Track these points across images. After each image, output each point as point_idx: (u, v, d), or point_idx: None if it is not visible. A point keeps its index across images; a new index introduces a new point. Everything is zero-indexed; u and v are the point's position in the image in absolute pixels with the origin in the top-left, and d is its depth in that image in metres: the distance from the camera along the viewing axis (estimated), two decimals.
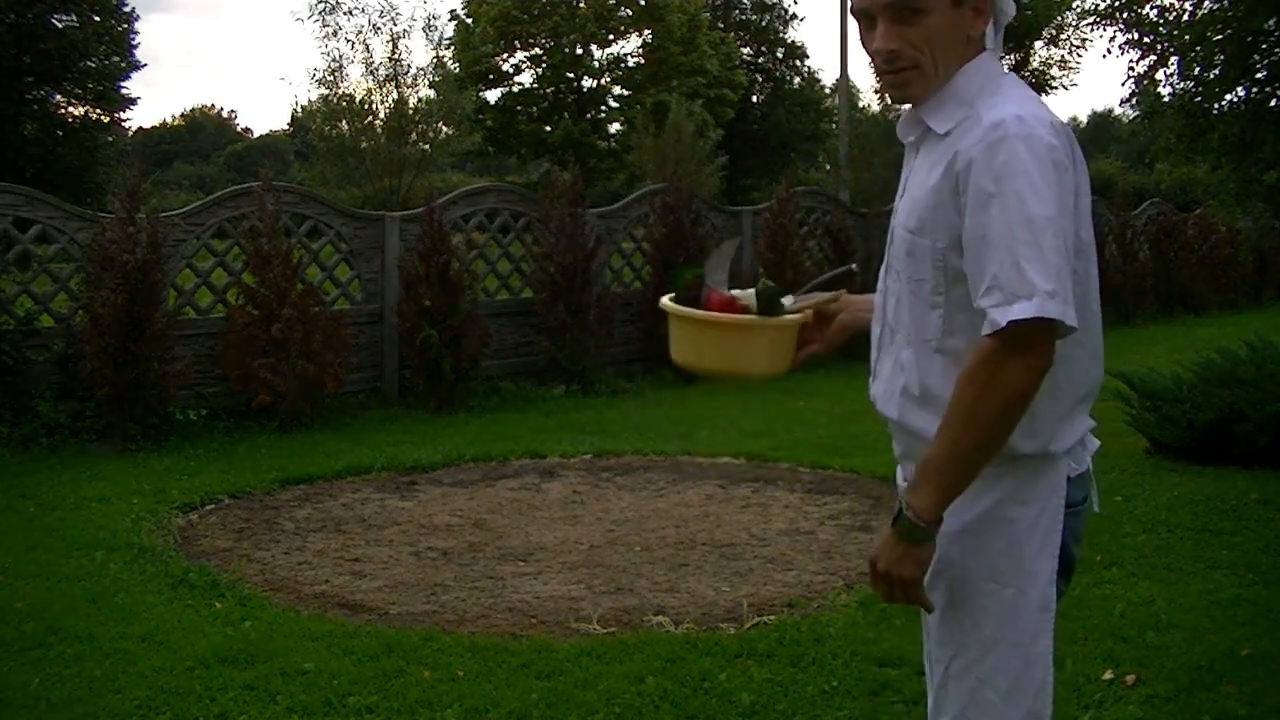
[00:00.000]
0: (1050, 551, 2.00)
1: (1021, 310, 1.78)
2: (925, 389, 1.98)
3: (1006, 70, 2.02)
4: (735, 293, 2.27)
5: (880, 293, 2.09)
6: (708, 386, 10.20)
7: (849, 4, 2.03)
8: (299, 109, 27.73)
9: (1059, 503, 1.99)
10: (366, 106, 19.01)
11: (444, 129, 19.92)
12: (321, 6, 18.39)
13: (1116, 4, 8.36)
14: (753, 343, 2.24)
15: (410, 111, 19.13)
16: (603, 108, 36.66)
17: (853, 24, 2.12)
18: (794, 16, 49.77)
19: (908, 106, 2.03)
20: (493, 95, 35.60)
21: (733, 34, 40.84)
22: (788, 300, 2.29)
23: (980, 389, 1.82)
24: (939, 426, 1.87)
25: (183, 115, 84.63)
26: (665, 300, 2.31)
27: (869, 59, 2.02)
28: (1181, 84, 8.15)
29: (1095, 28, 9.03)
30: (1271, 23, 7.57)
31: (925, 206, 1.94)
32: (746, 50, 42.98)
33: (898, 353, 2.02)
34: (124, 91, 32.10)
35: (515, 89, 36.25)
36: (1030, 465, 1.96)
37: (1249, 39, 7.57)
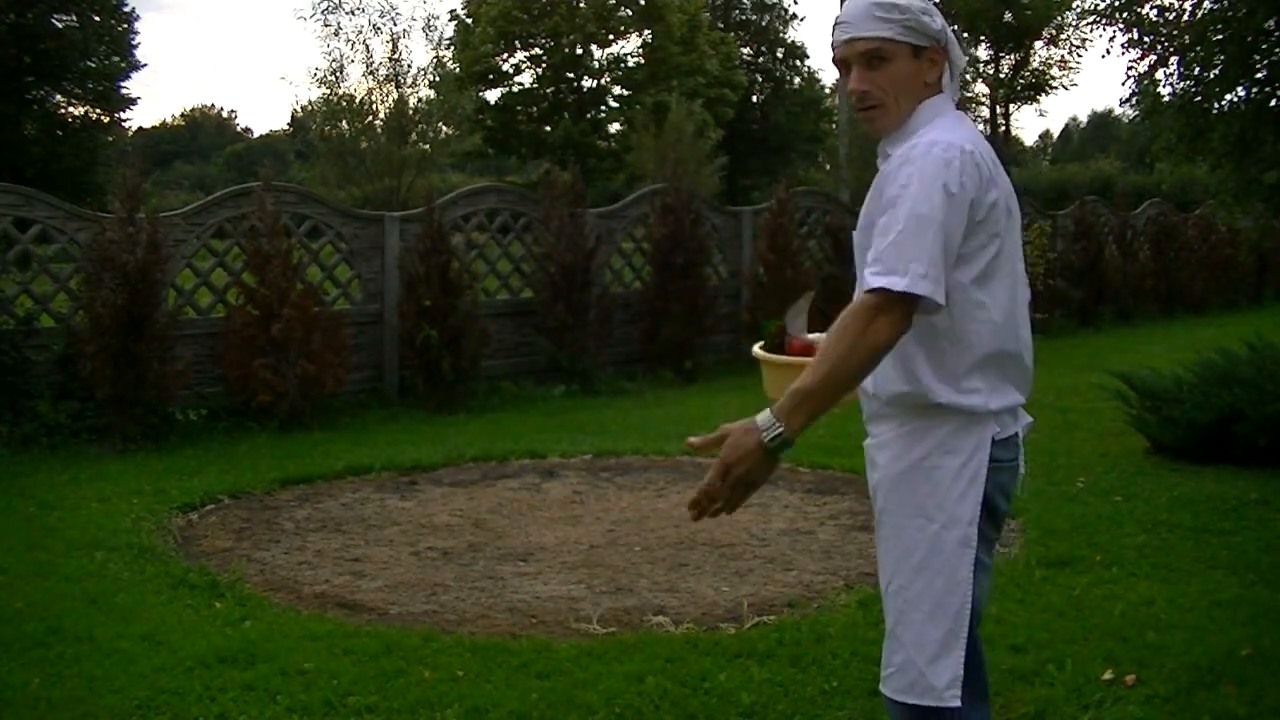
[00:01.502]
0: (973, 498, 2.39)
1: (893, 283, 2.21)
2: (908, 362, 2.39)
3: (954, 108, 2.49)
4: (813, 336, 2.75)
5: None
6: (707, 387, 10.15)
7: (833, 55, 2.47)
8: (299, 109, 27.74)
9: (983, 457, 2.39)
10: (366, 106, 19.00)
11: (444, 129, 19.90)
12: (324, 5, 18.39)
13: (1116, 4, 8.36)
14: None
15: (410, 111, 19.12)
16: (603, 108, 36.68)
17: None
18: (794, 16, 49.80)
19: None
20: (493, 95, 35.61)
21: (733, 34, 40.85)
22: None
23: (856, 335, 2.22)
24: (815, 361, 2.24)
25: (183, 115, 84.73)
26: (756, 349, 2.88)
27: (851, 97, 2.48)
28: (1181, 84, 8.15)
29: (1095, 28, 9.03)
30: (1271, 23, 7.56)
31: (870, 214, 2.40)
32: (746, 50, 42.99)
33: None
34: (124, 91, 32.11)
35: (515, 89, 36.27)
36: (957, 420, 2.38)
37: (1249, 39, 7.57)
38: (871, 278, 2.23)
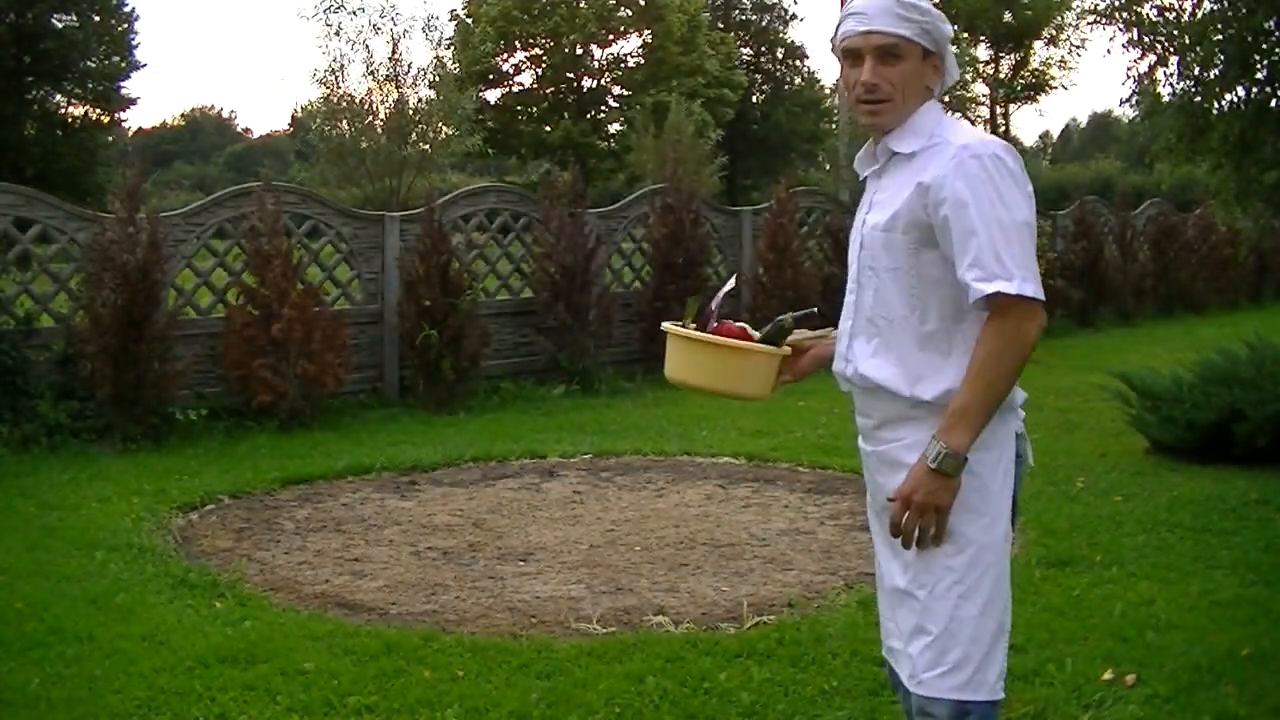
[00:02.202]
0: (1009, 491, 2.46)
1: (996, 287, 2.31)
2: (904, 356, 2.43)
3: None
4: (743, 325, 2.74)
5: (851, 293, 2.55)
6: None
7: (836, 43, 2.49)
8: (299, 110, 27.69)
9: (1012, 451, 2.47)
10: (366, 106, 18.99)
11: (444, 129, 19.89)
12: (326, 5, 18.39)
13: (1117, 4, 8.35)
14: (749, 367, 2.66)
15: (410, 112, 19.11)
16: (603, 108, 36.68)
17: None
18: (794, 17, 49.80)
19: (863, 148, 2.58)
20: (493, 95, 35.61)
21: (732, 34, 40.84)
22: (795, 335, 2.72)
23: (1006, 343, 2.32)
24: (968, 377, 2.33)
25: (183, 115, 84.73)
26: (668, 325, 2.72)
27: (848, 89, 2.51)
28: (1181, 84, 8.14)
29: (1095, 27, 9.02)
30: (1272, 22, 7.56)
31: (897, 211, 2.41)
32: (746, 50, 43.00)
33: (881, 335, 2.47)
34: (124, 91, 32.12)
35: (515, 89, 36.27)
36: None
37: (1249, 39, 7.56)
38: (995, 285, 2.29)
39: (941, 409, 2.38)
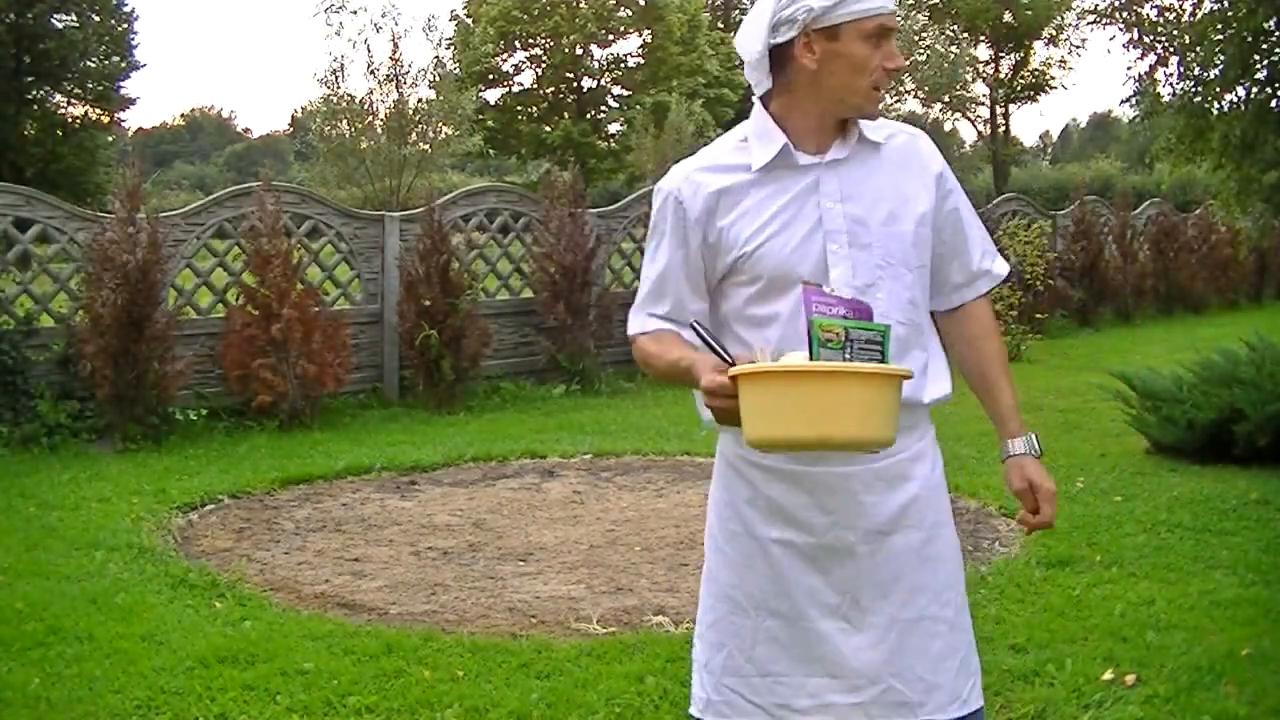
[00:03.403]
0: None
1: (1005, 265, 2.37)
2: (929, 358, 2.26)
3: None
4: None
5: (865, 297, 2.14)
6: None
7: (862, 21, 2.10)
8: (300, 110, 27.74)
9: None
10: (366, 106, 18.99)
11: (444, 129, 19.88)
12: (328, 5, 18.38)
13: (1117, 4, 8.35)
14: (881, 400, 1.93)
15: (410, 112, 19.11)
16: (603, 108, 36.68)
17: None
18: None
19: (775, 141, 2.19)
20: (493, 95, 35.61)
21: (733, 34, 40.86)
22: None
23: (998, 326, 2.36)
24: (1004, 369, 2.31)
25: (183, 115, 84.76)
26: (752, 365, 1.96)
27: (859, 73, 2.13)
28: (1181, 84, 8.13)
29: (1095, 27, 9.01)
30: (1272, 23, 7.55)
31: (920, 205, 2.23)
32: None
33: (909, 338, 2.20)
34: (124, 91, 32.11)
35: (515, 89, 36.27)
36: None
37: (1249, 39, 7.55)
38: (995, 266, 2.33)
39: (928, 414, 2.26)
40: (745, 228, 2.17)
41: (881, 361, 1.95)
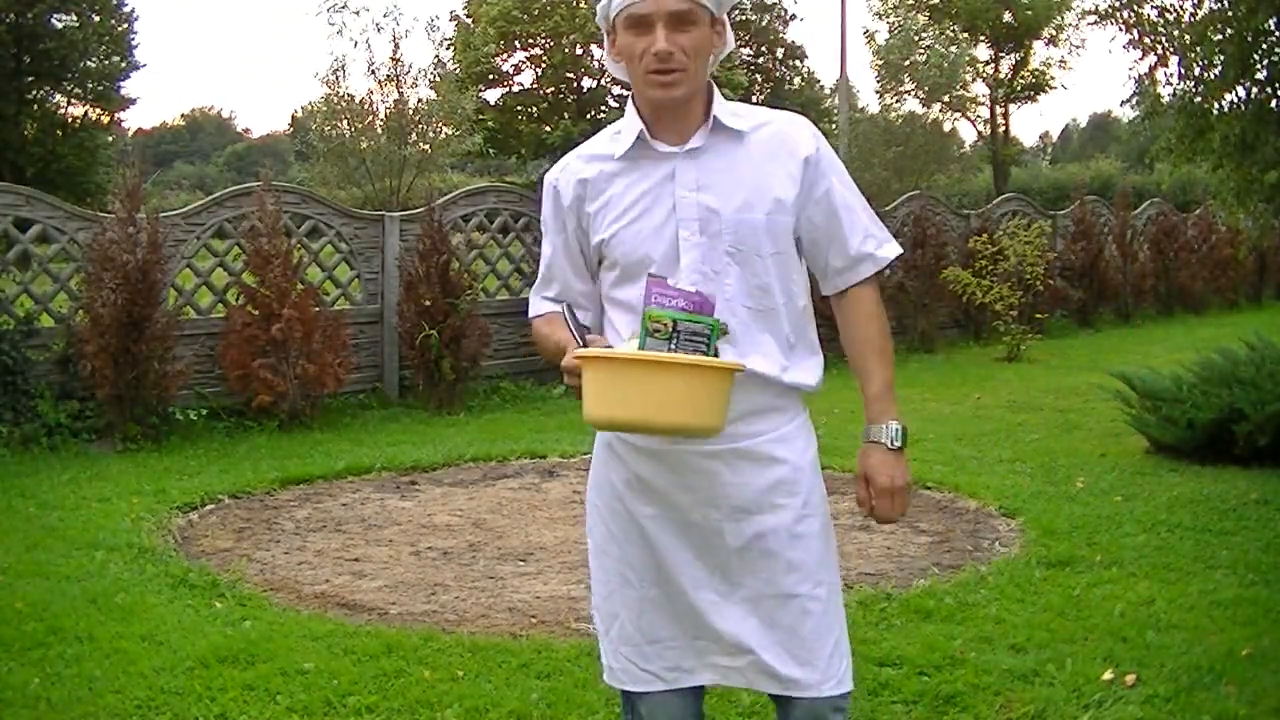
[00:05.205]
0: None
1: (893, 249, 2.34)
2: (797, 343, 2.30)
3: None
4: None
5: (703, 283, 2.20)
6: None
7: (612, 12, 2.24)
8: (300, 110, 27.73)
9: None
10: (367, 107, 18.96)
11: (444, 129, 19.85)
12: (330, 4, 18.34)
13: (1117, 4, 8.34)
14: (706, 389, 2.05)
15: (410, 112, 19.08)
16: (603, 108, 36.66)
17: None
18: (794, 17, 49.81)
19: (632, 130, 2.27)
20: (493, 95, 35.60)
21: (732, 34, 40.83)
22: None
23: (884, 316, 2.34)
24: (879, 351, 2.30)
25: (183, 115, 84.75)
26: (599, 349, 2.12)
27: (628, 60, 2.24)
28: (1181, 84, 8.12)
29: (1095, 28, 9.00)
30: (1272, 22, 7.54)
31: (778, 193, 2.25)
32: (746, 50, 42.99)
33: (755, 322, 2.24)
34: (124, 91, 32.12)
35: (515, 89, 36.27)
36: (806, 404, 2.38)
37: (1249, 39, 7.54)
38: (879, 250, 2.31)
39: (798, 396, 2.31)
40: (608, 214, 2.29)
41: (706, 354, 2.06)
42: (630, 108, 2.31)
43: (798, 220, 2.28)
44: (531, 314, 2.45)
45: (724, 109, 2.29)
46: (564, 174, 2.37)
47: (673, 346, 2.06)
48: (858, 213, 2.32)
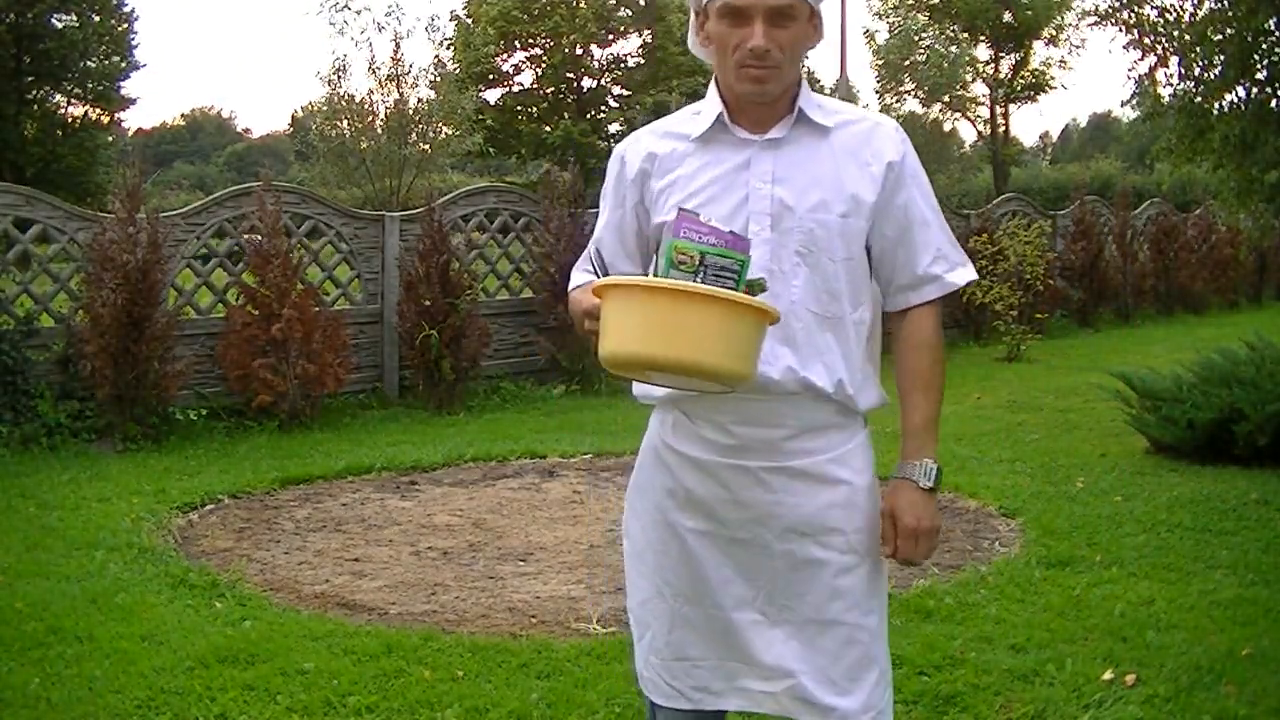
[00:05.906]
0: None
1: (966, 275, 2.21)
2: (862, 358, 2.18)
3: None
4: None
5: (768, 283, 2.06)
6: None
7: (726, 4, 2.11)
8: (300, 110, 27.74)
9: None
10: (367, 106, 18.96)
11: (444, 129, 19.86)
12: (333, 3, 18.34)
13: (1117, 4, 8.34)
14: (739, 331, 1.89)
15: (410, 112, 19.08)
16: (603, 108, 36.67)
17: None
18: None
19: (712, 112, 2.19)
20: (493, 95, 35.60)
21: None
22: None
23: (940, 346, 2.19)
24: (929, 384, 2.16)
25: (183, 115, 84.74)
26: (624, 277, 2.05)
27: (722, 51, 2.13)
28: (1181, 84, 8.13)
29: (1095, 27, 9.00)
30: (1272, 23, 7.55)
31: (855, 194, 2.14)
32: None
33: (823, 332, 2.13)
34: (124, 91, 32.12)
35: (515, 89, 36.26)
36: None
37: (1249, 39, 7.55)
38: (948, 275, 2.19)
39: (860, 415, 2.20)
40: (673, 194, 2.17)
41: (735, 290, 1.89)
42: (712, 89, 2.19)
43: (872, 227, 2.16)
44: (570, 288, 2.27)
45: (810, 101, 2.17)
46: (634, 145, 2.26)
47: (698, 279, 1.88)
48: (934, 230, 2.19)
